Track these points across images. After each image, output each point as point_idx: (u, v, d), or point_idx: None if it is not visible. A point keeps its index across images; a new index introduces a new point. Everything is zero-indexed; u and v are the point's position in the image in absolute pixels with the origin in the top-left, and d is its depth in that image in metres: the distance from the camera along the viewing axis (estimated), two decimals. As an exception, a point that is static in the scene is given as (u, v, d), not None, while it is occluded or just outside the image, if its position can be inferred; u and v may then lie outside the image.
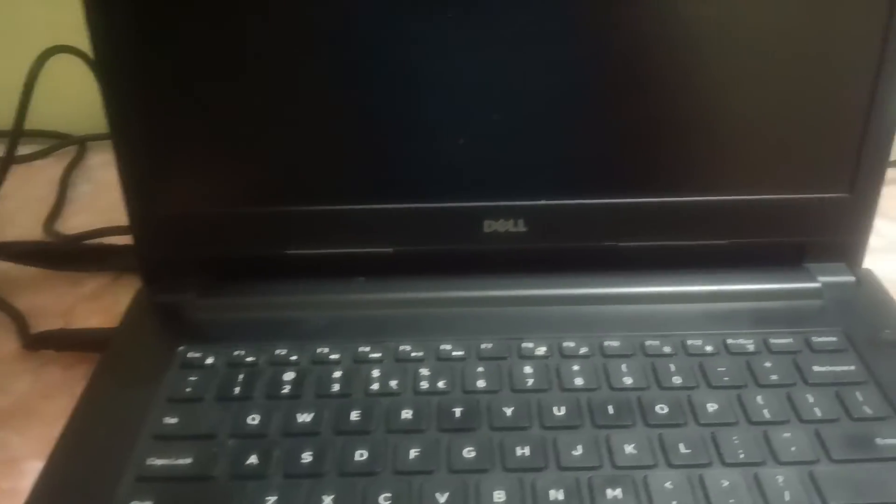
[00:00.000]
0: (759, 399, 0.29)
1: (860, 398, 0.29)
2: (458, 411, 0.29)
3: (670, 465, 0.27)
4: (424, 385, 0.30)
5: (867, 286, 0.35)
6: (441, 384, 0.30)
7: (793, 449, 0.27)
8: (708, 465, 0.26)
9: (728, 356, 0.31)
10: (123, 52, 0.30)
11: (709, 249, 0.34)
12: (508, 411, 0.29)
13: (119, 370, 0.31)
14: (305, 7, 0.29)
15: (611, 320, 0.33)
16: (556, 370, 0.30)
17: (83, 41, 0.46)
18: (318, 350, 0.31)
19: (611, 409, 0.29)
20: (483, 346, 0.31)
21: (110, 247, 0.40)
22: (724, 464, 0.27)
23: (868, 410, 0.28)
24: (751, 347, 0.31)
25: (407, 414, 0.28)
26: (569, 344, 0.32)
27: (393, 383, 0.30)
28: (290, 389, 0.30)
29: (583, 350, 0.31)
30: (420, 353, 0.31)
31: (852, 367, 0.30)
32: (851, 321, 0.33)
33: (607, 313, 0.33)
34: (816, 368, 0.30)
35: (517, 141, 0.31)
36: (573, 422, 0.28)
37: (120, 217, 0.44)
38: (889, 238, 0.42)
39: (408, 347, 0.31)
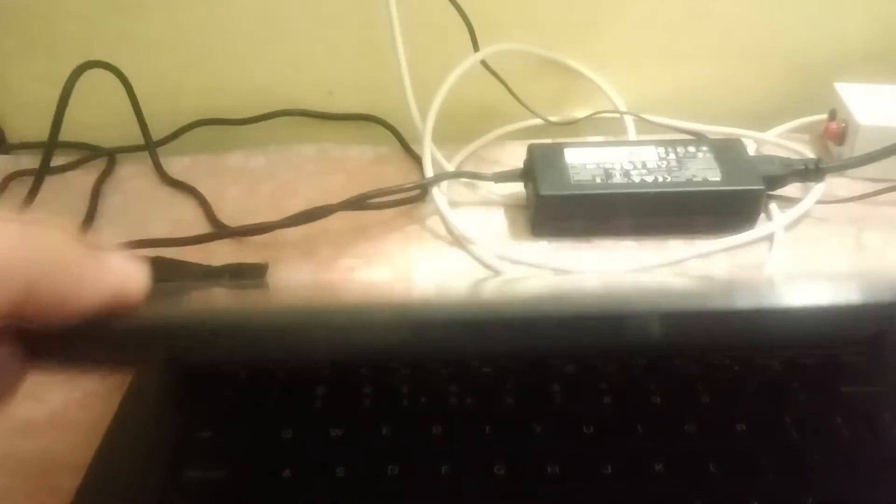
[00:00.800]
0: (786, 420, 0.29)
1: (890, 421, 0.29)
2: (487, 428, 0.29)
3: (700, 489, 0.27)
4: (454, 401, 0.30)
5: None
6: (470, 401, 0.30)
7: (824, 474, 0.27)
8: (739, 489, 0.27)
9: (755, 376, 0.31)
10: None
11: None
12: (538, 429, 0.29)
13: (155, 382, 0.32)
14: None
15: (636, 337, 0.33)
16: (585, 388, 0.31)
17: (114, 56, 0.47)
18: (350, 364, 0.32)
19: (639, 428, 0.29)
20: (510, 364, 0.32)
21: (144, 259, 0.41)
22: (755, 488, 0.27)
23: (899, 434, 0.28)
24: (777, 367, 0.32)
25: (437, 430, 0.29)
26: (595, 362, 0.32)
27: (423, 399, 0.30)
28: (323, 403, 0.30)
29: (609, 368, 0.32)
30: (448, 371, 0.31)
31: (880, 389, 0.30)
32: (880, 339, 0.33)
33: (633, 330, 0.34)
34: (844, 389, 0.30)
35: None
36: (601, 441, 0.28)
37: (151, 228, 0.46)
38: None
39: (437, 364, 0.32)
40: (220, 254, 0.43)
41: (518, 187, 0.46)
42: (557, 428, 0.29)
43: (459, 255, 0.43)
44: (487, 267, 0.42)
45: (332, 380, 0.31)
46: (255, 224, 0.43)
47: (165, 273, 0.40)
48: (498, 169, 0.46)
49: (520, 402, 0.30)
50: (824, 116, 0.50)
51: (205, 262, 0.41)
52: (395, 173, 0.50)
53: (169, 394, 0.31)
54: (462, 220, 0.44)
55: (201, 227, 0.46)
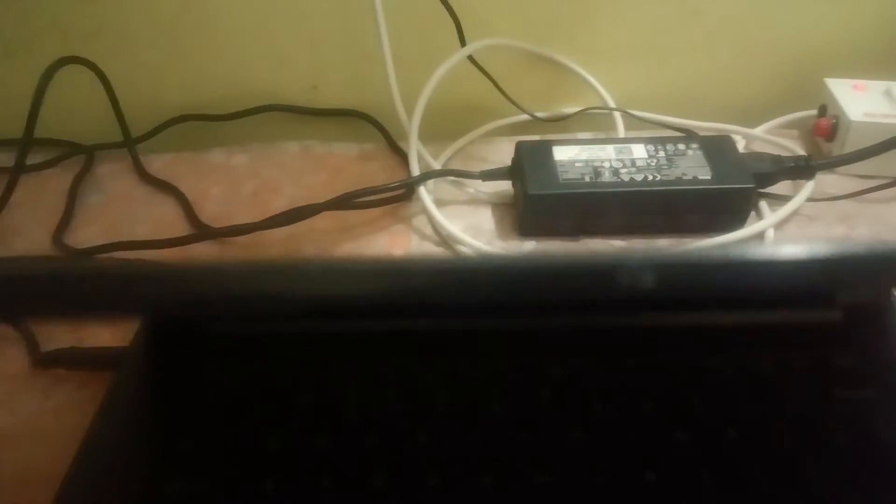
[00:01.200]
0: (779, 426, 0.29)
1: (884, 426, 0.28)
2: (475, 437, 0.28)
3: (692, 498, 0.26)
4: (440, 408, 0.29)
5: (889, 306, 0.35)
6: (457, 409, 0.29)
7: (817, 480, 0.27)
8: (732, 496, 0.26)
9: (746, 379, 0.31)
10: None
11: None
12: (527, 437, 0.28)
13: (132, 390, 0.31)
14: None
15: (624, 341, 0.33)
16: (574, 395, 0.30)
17: (92, 52, 0.46)
18: (335, 371, 0.31)
19: (630, 436, 0.28)
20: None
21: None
22: (750, 496, 0.26)
23: (893, 439, 0.28)
24: (769, 371, 0.31)
25: (424, 439, 0.28)
26: (584, 367, 0.31)
27: (410, 407, 0.29)
28: (307, 412, 0.29)
29: (599, 373, 0.31)
30: (435, 377, 0.31)
31: (874, 393, 0.30)
32: (872, 343, 0.33)
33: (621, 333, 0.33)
34: (838, 394, 0.30)
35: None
36: (591, 449, 0.28)
37: (131, 228, 0.45)
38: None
39: (423, 370, 0.31)
40: (202, 256, 0.42)
41: (506, 185, 0.45)
42: (546, 436, 0.28)
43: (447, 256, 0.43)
44: (475, 267, 0.42)
45: (315, 389, 0.30)
46: (238, 225, 0.42)
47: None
48: (485, 166, 0.45)
49: (508, 409, 0.30)
50: (814, 112, 0.49)
51: (185, 264, 0.40)
52: (380, 170, 0.49)
53: (147, 403, 0.30)
54: (449, 219, 0.43)
55: (182, 226, 0.45)
